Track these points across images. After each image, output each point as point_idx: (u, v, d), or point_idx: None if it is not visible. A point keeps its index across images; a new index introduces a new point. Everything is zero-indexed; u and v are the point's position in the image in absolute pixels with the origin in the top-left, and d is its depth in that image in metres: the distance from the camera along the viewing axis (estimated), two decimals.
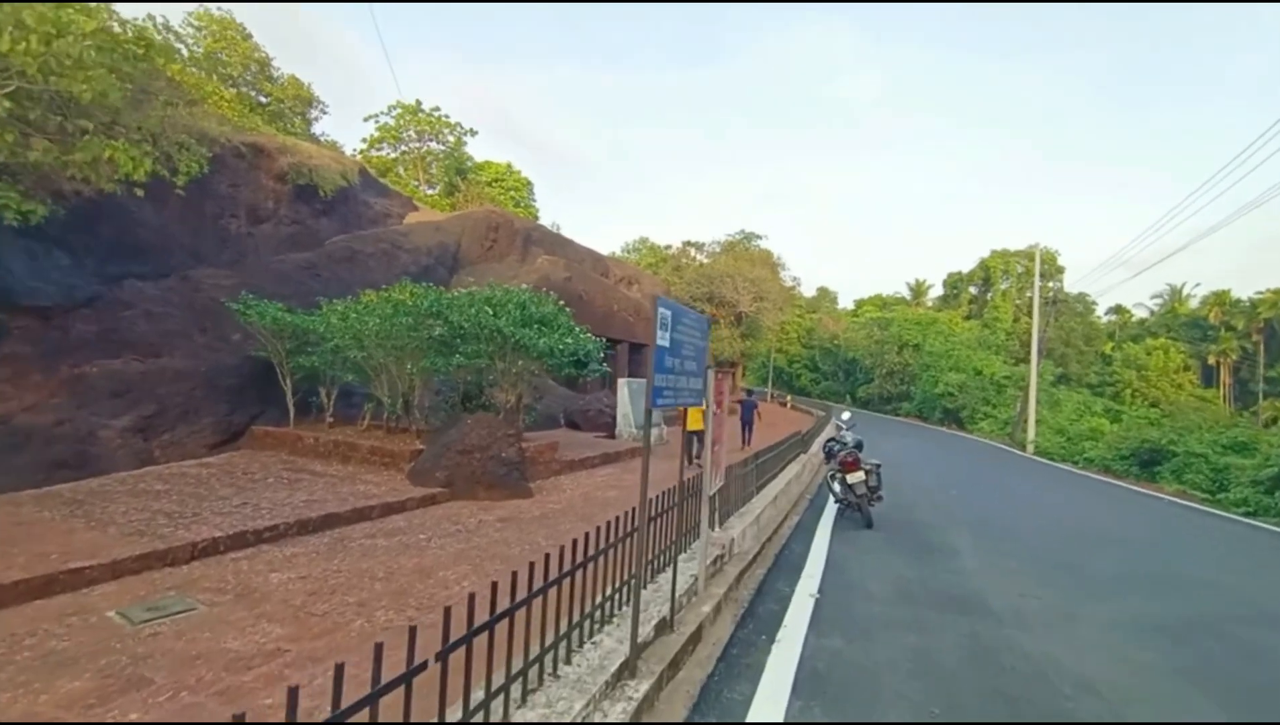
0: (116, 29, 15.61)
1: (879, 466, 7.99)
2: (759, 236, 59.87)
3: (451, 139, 50.88)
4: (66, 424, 8.09)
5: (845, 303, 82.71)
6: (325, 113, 40.95)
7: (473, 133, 49.69)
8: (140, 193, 10.37)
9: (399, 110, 48.41)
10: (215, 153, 15.85)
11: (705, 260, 55.00)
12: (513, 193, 52.12)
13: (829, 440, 9.44)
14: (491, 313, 9.33)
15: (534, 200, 55.38)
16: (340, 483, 8.36)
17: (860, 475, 7.77)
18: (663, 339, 3.45)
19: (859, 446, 8.42)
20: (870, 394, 53.22)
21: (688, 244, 58.52)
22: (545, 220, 50.72)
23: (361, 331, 9.29)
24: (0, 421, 7.73)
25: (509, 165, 53.31)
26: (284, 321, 10.35)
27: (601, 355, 10.61)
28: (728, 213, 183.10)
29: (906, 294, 72.32)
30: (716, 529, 6.68)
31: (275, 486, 7.90)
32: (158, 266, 13.75)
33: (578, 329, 10.31)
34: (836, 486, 8.61)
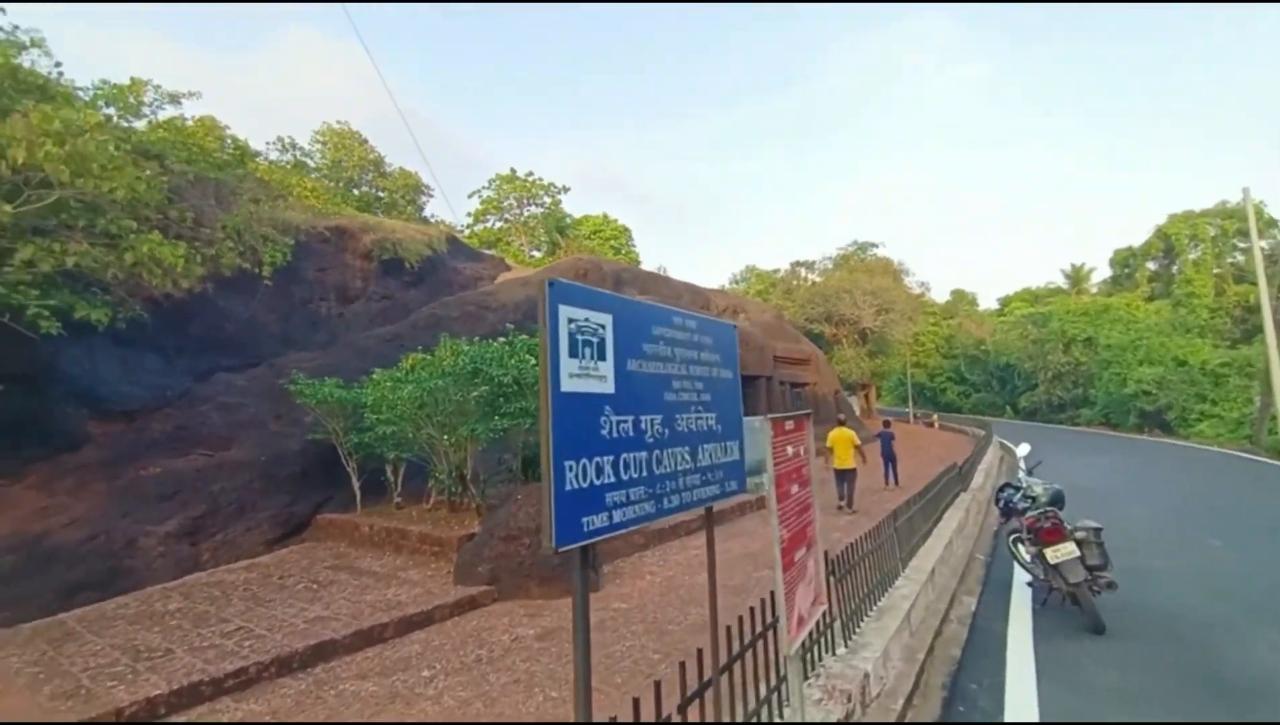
0: (212, 142, 16.76)
1: (1099, 531, 5.04)
2: (874, 245, 55.24)
3: (548, 200, 52.72)
4: (100, 537, 7.54)
5: (987, 303, 73.75)
6: (430, 196, 43.78)
7: (565, 190, 51.00)
8: (188, 285, 10.25)
9: (497, 181, 51.00)
10: (300, 240, 16.29)
11: (818, 278, 51.32)
12: (611, 241, 52.58)
13: (1003, 487, 6.60)
14: (534, 362, 7.78)
15: (634, 246, 55.54)
16: (374, 585, 7.01)
17: (1070, 549, 4.88)
18: (587, 378, 1.47)
19: (1057, 501, 5.54)
20: (1036, 403, 45.63)
21: (797, 264, 55.26)
22: (650, 264, 50.25)
23: (395, 401, 8.11)
24: (34, 540, 7.29)
25: (605, 216, 54.08)
26: (334, 398, 9.53)
27: None
28: (840, 226, 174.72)
29: (1063, 283, 62.80)
30: (841, 648, 4.35)
31: (298, 596, 6.70)
32: (248, 357, 13.96)
33: None
34: (1025, 555, 5.80)
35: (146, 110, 13.76)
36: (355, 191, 38.22)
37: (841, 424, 11.92)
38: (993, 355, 52.56)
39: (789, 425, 2.81)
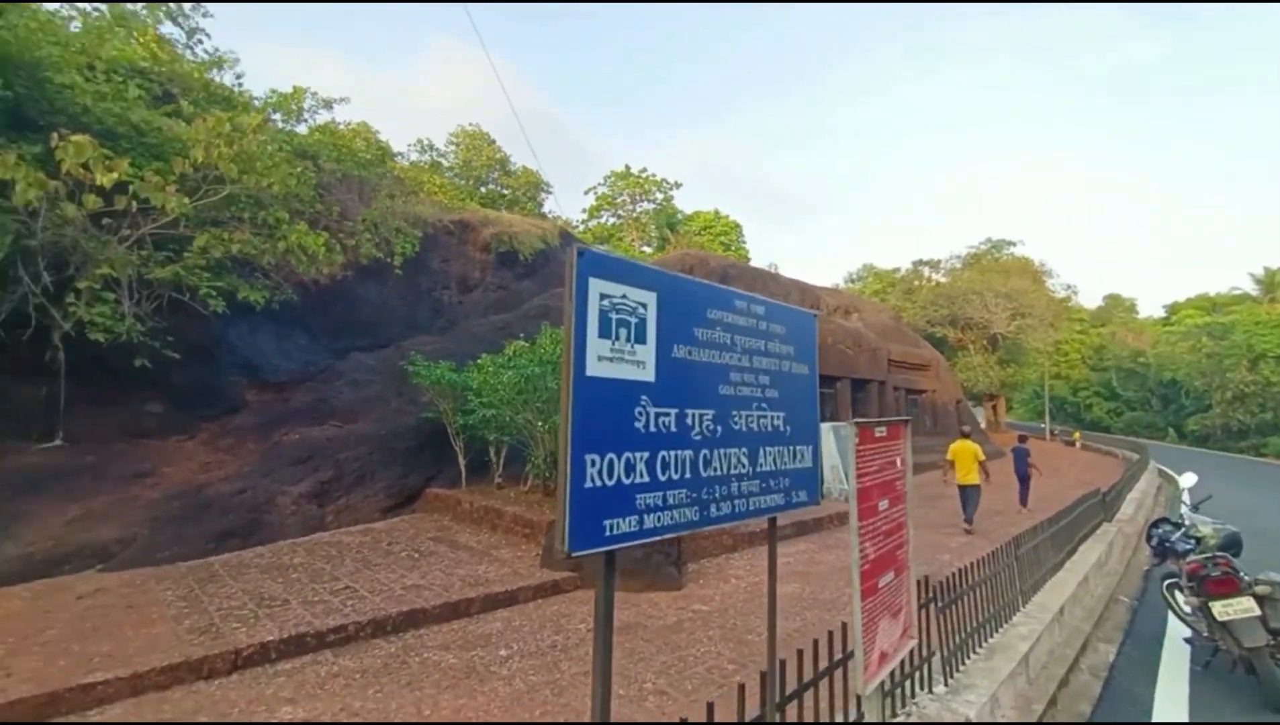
0: (360, 144, 18.45)
1: None
2: (1012, 243, 50.32)
3: (660, 196, 53.19)
4: (247, 492, 8.51)
5: (1149, 310, 64.72)
6: (549, 193, 45.68)
7: (677, 185, 51.12)
8: (329, 272, 11.35)
9: (612, 177, 52.16)
10: (428, 233, 17.57)
11: (942, 279, 47.54)
12: (721, 237, 52.17)
13: (1158, 522, 5.64)
14: None
15: (744, 242, 54.71)
16: (468, 560, 7.34)
17: (1247, 605, 3.99)
18: (620, 363, 1.33)
19: (1231, 546, 4.61)
20: (1209, 427, 39.33)
21: (919, 263, 51.55)
22: (761, 261, 49.27)
23: (496, 385, 8.44)
24: (197, 490, 8.38)
25: (716, 212, 53.76)
26: (445, 380, 10.12)
27: None
28: (972, 224, 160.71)
29: (1251, 288, 53.52)
30: (940, 686, 3.92)
31: (400, 563, 7.16)
32: (378, 339, 15.25)
33: None
34: (1184, 606, 4.90)
35: (306, 115, 15.39)
36: (482, 189, 40.64)
37: (965, 436, 10.98)
38: (1154, 369, 46.04)
39: (880, 431, 2.50)
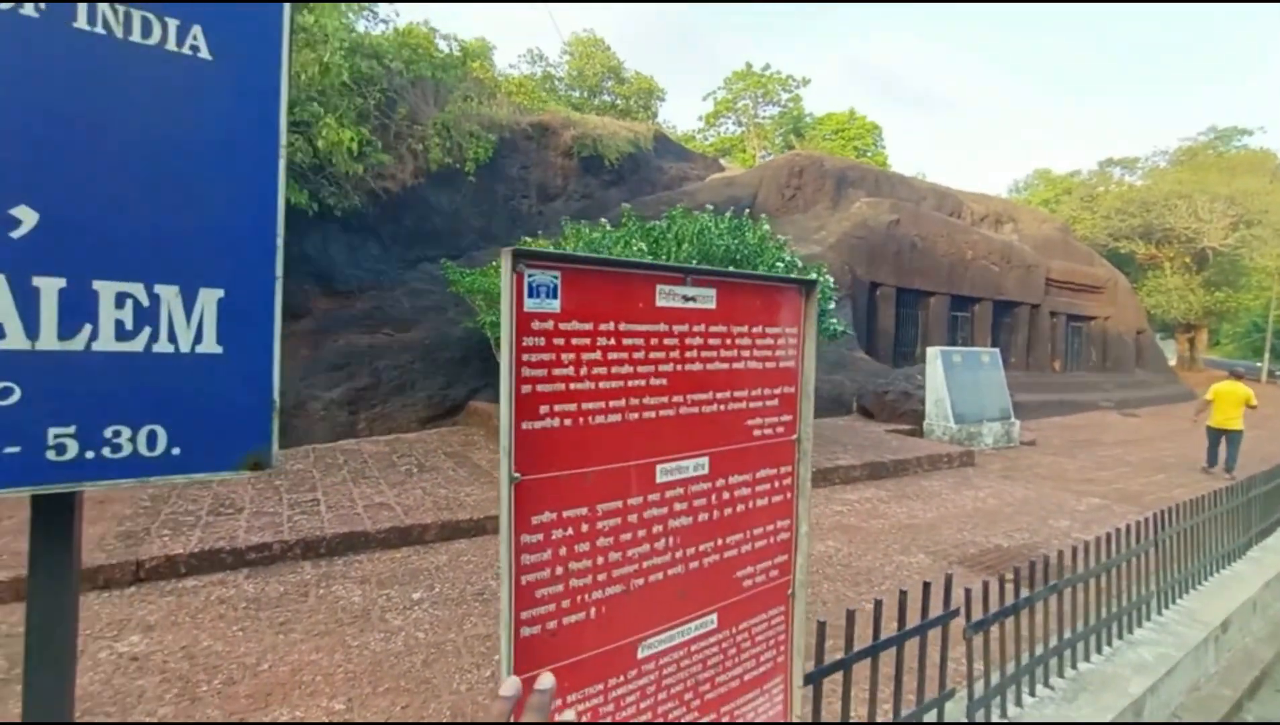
0: (442, 45, 17.62)
1: None
2: (1246, 131, 39.50)
3: (786, 96, 48.34)
4: (280, 397, 8.46)
5: None
6: (663, 101, 43.04)
7: (805, 82, 45.91)
8: (361, 172, 10.82)
9: (731, 78, 48.03)
10: (504, 137, 16.67)
11: (1139, 181, 38.69)
12: (855, 141, 46.82)
13: None
14: (647, 252, 6.31)
15: (882, 146, 48.75)
16: (462, 480, 6.67)
17: None
18: None
19: None
20: None
21: (1107, 164, 42.31)
22: (908, 168, 43.48)
23: None
24: None
25: (851, 112, 47.95)
26: (479, 287, 9.37)
27: (832, 304, 6.43)
28: (1196, 110, 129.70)
29: None
30: None
31: (389, 479, 6.64)
32: (450, 249, 14.89)
33: (786, 262, 6.37)
34: None
35: (367, 12, 14.72)
36: (596, 100, 38.98)
37: (1237, 377, 9.54)
38: None
39: (686, 298, 0.99)
